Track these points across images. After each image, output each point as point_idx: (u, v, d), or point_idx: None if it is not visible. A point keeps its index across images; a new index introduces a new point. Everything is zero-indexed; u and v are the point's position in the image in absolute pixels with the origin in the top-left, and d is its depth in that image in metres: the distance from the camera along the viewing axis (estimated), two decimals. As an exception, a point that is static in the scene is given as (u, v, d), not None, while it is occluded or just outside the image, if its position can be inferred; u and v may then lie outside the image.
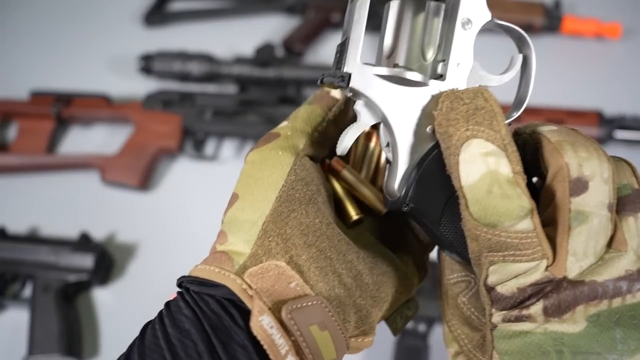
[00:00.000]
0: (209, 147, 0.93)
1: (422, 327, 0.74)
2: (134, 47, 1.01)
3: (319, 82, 0.32)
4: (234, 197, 0.31)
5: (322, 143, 0.34)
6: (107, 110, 0.92)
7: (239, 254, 0.28)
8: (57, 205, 0.88)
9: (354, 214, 0.34)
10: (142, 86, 0.97)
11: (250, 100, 0.92)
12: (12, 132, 0.94)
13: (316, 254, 0.29)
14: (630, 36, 1.04)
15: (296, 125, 0.33)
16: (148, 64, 0.94)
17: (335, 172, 0.35)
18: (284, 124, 0.33)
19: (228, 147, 0.94)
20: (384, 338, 0.76)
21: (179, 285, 0.30)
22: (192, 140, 0.92)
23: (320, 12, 1.05)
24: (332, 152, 0.37)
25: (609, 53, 1.03)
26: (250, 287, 0.27)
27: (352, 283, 0.30)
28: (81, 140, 0.94)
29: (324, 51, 1.05)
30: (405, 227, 0.34)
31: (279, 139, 0.32)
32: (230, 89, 0.96)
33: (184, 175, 0.92)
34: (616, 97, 0.95)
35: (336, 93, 0.34)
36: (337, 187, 0.34)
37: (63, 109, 0.91)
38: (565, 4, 1.07)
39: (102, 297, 0.80)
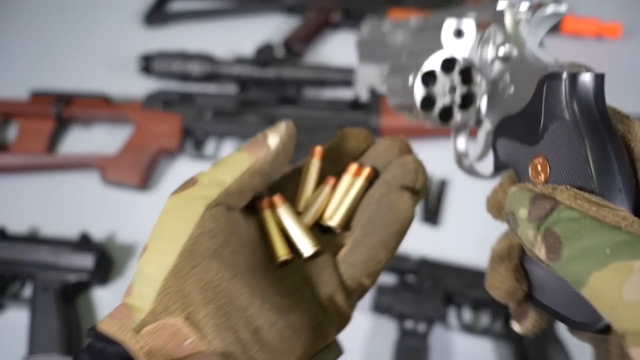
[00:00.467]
0: (209, 147, 0.93)
1: (422, 327, 0.74)
2: (134, 47, 1.01)
3: None
4: (144, 248, 0.31)
5: (241, 193, 0.33)
6: (107, 110, 0.92)
7: (139, 310, 0.29)
8: (57, 205, 0.88)
9: (281, 254, 0.33)
10: (142, 86, 0.97)
11: (250, 100, 0.92)
12: (12, 132, 0.94)
13: (214, 310, 0.29)
14: (630, 36, 1.04)
15: (216, 173, 0.33)
16: (148, 64, 0.94)
17: (274, 207, 0.35)
18: (207, 169, 0.34)
19: (228, 147, 0.94)
20: (384, 338, 0.76)
21: (88, 335, 0.30)
22: (192, 140, 0.92)
23: (320, 12, 1.05)
24: (284, 185, 0.37)
25: (609, 53, 1.03)
26: (144, 346, 0.28)
27: (250, 338, 0.30)
28: (81, 140, 0.94)
29: (324, 51, 1.05)
30: (333, 272, 0.34)
31: (195, 187, 0.33)
32: (230, 89, 0.96)
33: (184, 175, 0.90)
34: (616, 97, 0.95)
35: (273, 140, 0.34)
36: (271, 225, 0.34)
37: (63, 109, 0.91)
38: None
39: (102, 297, 0.80)
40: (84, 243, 0.79)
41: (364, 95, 0.94)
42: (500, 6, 0.32)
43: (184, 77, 0.94)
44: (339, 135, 0.39)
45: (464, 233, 0.81)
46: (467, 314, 0.78)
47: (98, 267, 0.77)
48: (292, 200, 0.36)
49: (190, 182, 0.33)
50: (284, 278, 0.33)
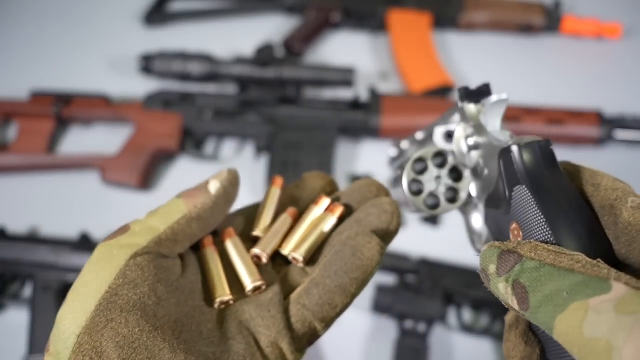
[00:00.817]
0: (209, 147, 0.93)
1: (422, 327, 0.74)
2: (134, 47, 1.01)
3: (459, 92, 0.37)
4: (65, 299, 0.30)
5: (175, 241, 0.32)
6: (107, 110, 0.92)
7: None
8: (57, 205, 0.89)
9: (218, 296, 0.32)
10: (142, 86, 0.97)
11: (250, 100, 0.92)
12: (12, 132, 0.94)
13: None
14: (630, 36, 1.04)
15: (149, 221, 0.32)
16: (148, 64, 0.94)
17: (221, 241, 0.34)
18: (143, 217, 0.33)
19: (228, 147, 0.94)
20: (384, 338, 0.76)
21: None
22: (192, 140, 0.92)
23: (320, 12, 1.05)
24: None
25: (609, 53, 1.03)
26: None
27: None
28: (81, 140, 0.94)
29: (324, 51, 1.05)
30: (278, 314, 0.32)
31: (125, 235, 0.31)
32: (230, 89, 0.96)
33: (184, 175, 0.92)
34: (616, 97, 0.95)
35: (213, 186, 0.33)
36: (212, 264, 0.33)
37: (63, 109, 0.91)
38: (565, 4, 1.07)
39: (102, 297, 0.80)
40: (84, 243, 0.79)
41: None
42: (460, 104, 0.38)
43: (184, 77, 0.94)
44: (302, 177, 0.38)
45: (464, 233, 0.81)
46: (467, 314, 0.78)
47: (98, 267, 0.77)
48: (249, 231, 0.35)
49: (122, 230, 0.32)
50: (222, 321, 0.31)
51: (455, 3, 1.03)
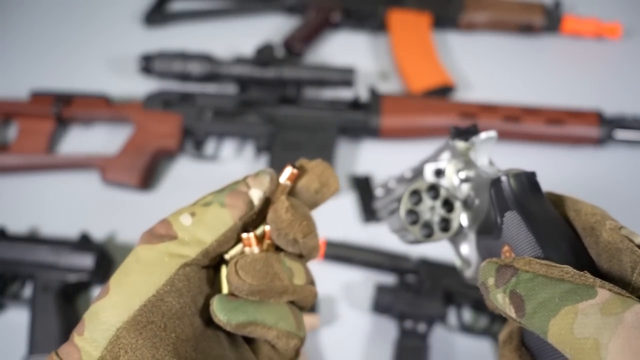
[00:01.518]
0: (209, 147, 0.93)
1: (422, 327, 0.74)
2: (134, 47, 1.01)
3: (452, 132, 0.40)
4: (105, 290, 0.31)
5: (220, 252, 0.33)
6: (107, 110, 0.92)
7: (89, 355, 0.29)
8: (57, 205, 0.88)
9: None
10: (142, 86, 0.97)
11: (250, 100, 0.92)
12: (12, 132, 0.94)
13: None
14: (630, 36, 1.04)
15: (197, 232, 0.32)
16: (148, 64, 0.94)
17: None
18: (188, 222, 0.32)
19: (228, 147, 0.94)
20: (384, 338, 0.76)
21: None
22: (192, 140, 0.92)
23: (320, 12, 1.05)
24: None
25: (609, 53, 1.03)
26: None
27: None
28: (81, 140, 0.94)
29: (324, 51, 1.05)
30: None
31: (174, 242, 0.32)
32: (230, 89, 0.96)
33: (184, 175, 0.92)
34: (616, 97, 0.95)
35: (255, 195, 0.33)
36: (223, 273, 0.34)
37: (63, 109, 0.91)
38: (565, 4, 1.07)
39: (102, 297, 0.80)
40: (84, 243, 0.79)
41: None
42: (451, 142, 0.41)
43: (184, 77, 0.94)
44: (298, 167, 0.36)
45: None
46: (467, 314, 0.78)
47: (98, 267, 0.77)
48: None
49: (168, 234, 0.32)
50: (231, 333, 0.33)
51: (455, 3, 1.03)
